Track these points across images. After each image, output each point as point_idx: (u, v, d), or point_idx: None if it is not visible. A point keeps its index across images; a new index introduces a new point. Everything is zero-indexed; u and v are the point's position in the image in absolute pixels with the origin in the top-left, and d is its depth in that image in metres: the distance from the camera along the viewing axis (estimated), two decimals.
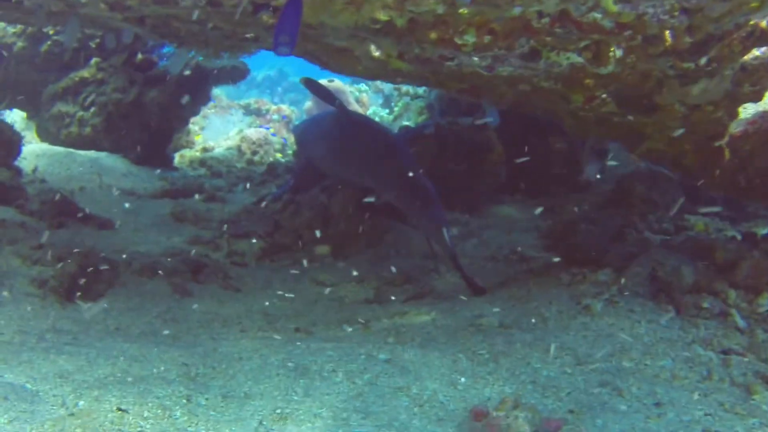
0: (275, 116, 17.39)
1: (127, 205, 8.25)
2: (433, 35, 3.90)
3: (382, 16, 3.72)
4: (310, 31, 4.12)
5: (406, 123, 12.35)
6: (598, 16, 3.60)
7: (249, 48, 5.55)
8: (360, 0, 3.62)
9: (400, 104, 13.03)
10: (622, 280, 5.16)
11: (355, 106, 15.78)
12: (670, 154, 5.40)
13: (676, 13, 3.68)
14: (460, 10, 3.55)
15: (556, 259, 6.57)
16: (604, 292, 5.15)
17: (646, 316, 4.80)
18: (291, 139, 15.17)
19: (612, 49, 4.00)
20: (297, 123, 11.49)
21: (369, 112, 16.29)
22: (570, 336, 4.49)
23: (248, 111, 17.40)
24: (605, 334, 4.54)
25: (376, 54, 4.56)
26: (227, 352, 4.22)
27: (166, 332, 4.80)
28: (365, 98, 17.62)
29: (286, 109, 17.70)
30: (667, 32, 3.91)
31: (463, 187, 8.86)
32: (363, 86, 17.92)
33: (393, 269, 6.38)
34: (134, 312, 5.19)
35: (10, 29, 10.53)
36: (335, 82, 15.39)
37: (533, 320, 4.76)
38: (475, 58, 4.23)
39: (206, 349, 4.26)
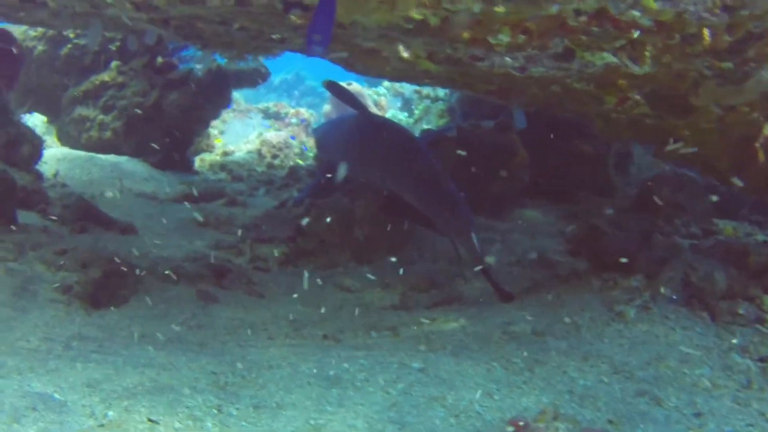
0: (294, 120, 17.34)
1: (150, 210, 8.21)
2: (465, 34, 3.81)
3: (416, 14, 3.63)
4: (339, 30, 4.03)
5: (426, 126, 12.27)
6: (636, 14, 3.50)
7: (274, 50, 5.47)
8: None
9: (420, 107, 12.95)
10: (661, 289, 5.04)
11: (373, 110, 15.69)
12: (703, 156, 5.29)
13: (717, 11, 3.57)
14: (496, 8, 3.46)
15: (583, 265, 6.51)
16: (637, 299, 5.05)
17: (680, 323, 4.70)
18: (310, 143, 15.14)
19: (648, 48, 3.90)
20: (316, 126, 11.40)
21: (387, 115, 16.22)
22: (605, 344, 4.39)
23: (267, 114, 17.36)
24: (640, 342, 4.44)
25: (405, 55, 4.48)
26: (256, 360, 4.14)
27: (192, 339, 4.73)
28: (384, 101, 17.56)
29: (304, 112, 17.64)
30: (706, 31, 3.80)
31: (486, 191, 8.76)
32: (381, 89, 17.87)
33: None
34: (159, 319, 5.12)
35: (31, 32, 10.52)
36: (353, 86, 15.33)
37: (566, 327, 4.66)
38: (508, 58, 4.14)
39: (234, 357, 4.18)
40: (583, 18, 3.57)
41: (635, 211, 8.35)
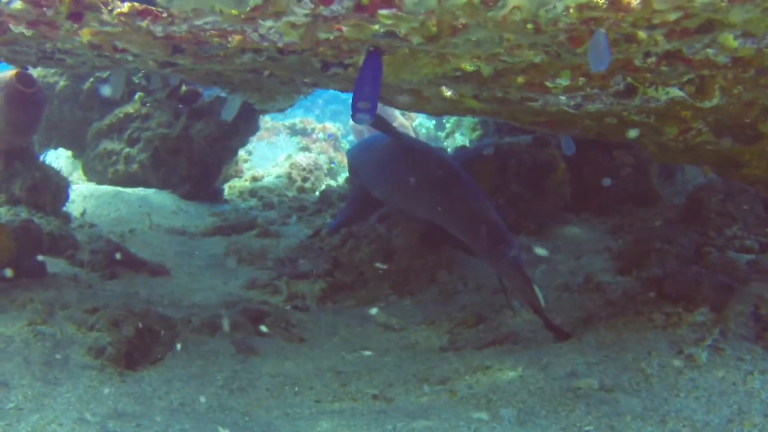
0: (321, 135, 17.11)
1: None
2: (520, 80, 3.50)
3: (469, 67, 3.33)
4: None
5: (459, 138, 11.98)
6: (711, 51, 3.17)
7: (306, 91, 5.19)
8: (447, 54, 3.23)
9: (452, 120, 12.63)
10: (731, 325, 4.69)
11: (400, 120, 15.41)
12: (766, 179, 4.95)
13: None
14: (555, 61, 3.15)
15: (634, 286, 6.19)
16: (706, 337, 4.70)
17: (758, 366, 4.35)
18: (339, 158, 14.88)
19: (718, 81, 3.56)
20: (349, 146, 11.14)
21: (415, 124, 15.95)
22: (681, 399, 4.04)
23: (294, 131, 17.14)
24: (718, 393, 4.10)
25: (448, 94, 4.17)
26: None
27: (235, 406, 4.44)
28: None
29: (331, 127, 17.40)
30: None
31: (526, 209, 8.45)
32: None
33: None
34: (197, 380, 4.83)
35: (52, 69, 10.32)
36: None
37: (635, 378, 4.32)
38: (563, 98, 3.82)
39: None
40: (651, 59, 3.25)
41: (683, 222, 8.00)
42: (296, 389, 4.78)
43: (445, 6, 2.68)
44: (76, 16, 3.19)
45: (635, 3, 2.63)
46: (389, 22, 2.82)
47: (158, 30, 3.06)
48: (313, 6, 2.80)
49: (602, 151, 9.15)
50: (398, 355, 5.53)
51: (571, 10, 2.66)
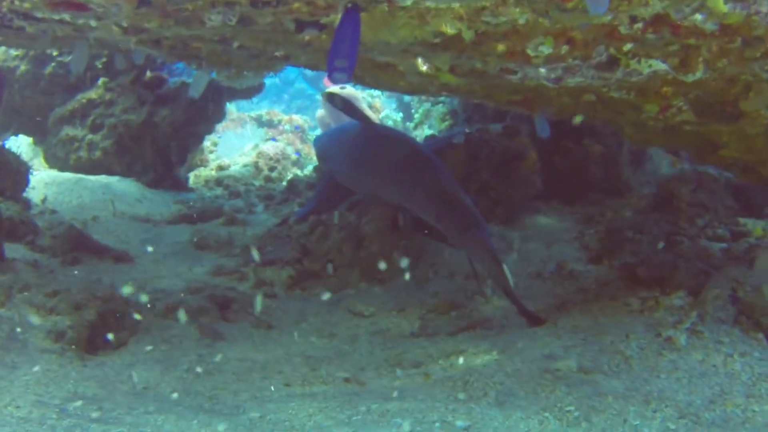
0: (287, 126, 16.93)
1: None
2: (500, 47, 3.38)
3: (450, 29, 3.20)
4: None
5: (428, 130, 11.85)
6: (699, 17, 3.06)
7: (276, 67, 5.02)
8: (427, 13, 3.10)
9: (420, 111, 12.49)
10: (709, 308, 4.62)
11: (368, 112, 15.28)
12: (746, 162, 4.88)
13: None
14: (541, 19, 3.02)
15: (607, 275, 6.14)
16: (684, 320, 4.63)
17: (737, 348, 4.29)
18: (306, 150, 14.72)
19: (702, 53, 3.46)
20: (317, 135, 10.97)
21: (382, 116, 15.85)
22: (662, 380, 3.95)
23: (260, 123, 16.95)
24: (698, 374, 4.02)
25: (424, 68, 4.04)
26: (277, 421, 3.68)
27: (201, 390, 4.28)
28: (378, 103, 17.17)
29: (298, 119, 17.23)
30: None
31: (497, 198, 8.37)
32: (375, 91, 17.45)
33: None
34: (162, 364, 4.66)
35: (13, 52, 10.03)
36: (347, 89, 14.90)
37: (614, 360, 4.22)
38: (543, 70, 3.70)
39: (252, 418, 3.72)
40: (638, 25, 3.14)
41: (654, 212, 7.97)
42: (265, 373, 4.63)
43: None
44: None
45: None
46: None
47: None
48: None
49: (573, 139, 9.10)
50: (369, 341, 5.40)
51: None
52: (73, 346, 4.70)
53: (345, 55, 2.99)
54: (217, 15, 3.21)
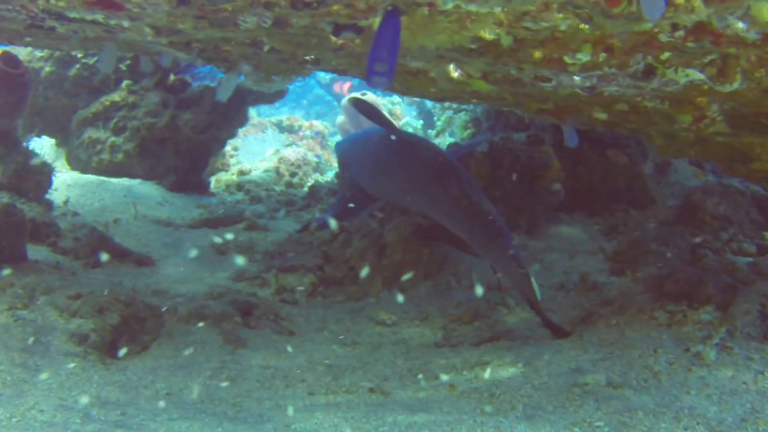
0: (308, 132, 16.92)
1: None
2: (537, 54, 3.32)
3: (488, 35, 3.15)
4: None
5: (450, 138, 11.81)
6: (741, 26, 3.00)
7: (305, 72, 4.98)
8: (467, 18, 3.05)
9: (443, 118, 12.44)
10: (738, 323, 4.55)
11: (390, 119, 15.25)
12: None
13: None
14: (582, 26, 2.97)
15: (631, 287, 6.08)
16: (713, 335, 4.56)
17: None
18: (326, 156, 14.69)
19: (741, 63, 3.40)
20: (338, 141, 10.93)
21: (402, 123, 15.82)
22: (692, 396, 3.88)
23: (281, 128, 16.94)
24: (729, 391, 3.94)
25: (455, 75, 3.99)
26: (303, 431, 3.64)
27: (224, 397, 4.24)
28: (398, 110, 17.15)
29: (318, 124, 17.21)
30: None
31: (520, 207, 8.31)
32: (396, 98, 17.42)
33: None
34: (185, 370, 4.63)
35: (38, 53, 10.06)
36: (368, 96, 14.88)
37: (643, 375, 4.15)
38: (577, 78, 3.65)
39: (277, 427, 3.68)
40: (679, 33, 3.08)
41: (678, 224, 7.89)
42: (288, 381, 4.59)
43: None
44: None
45: None
46: None
47: None
48: None
49: (596, 150, 9.04)
50: (391, 350, 5.35)
51: None
52: (96, 350, 4.68)
53: (385, 59, 2.94)
54: (253, 17, 3.17)
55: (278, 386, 4.50)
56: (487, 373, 4.50)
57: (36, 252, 6.36)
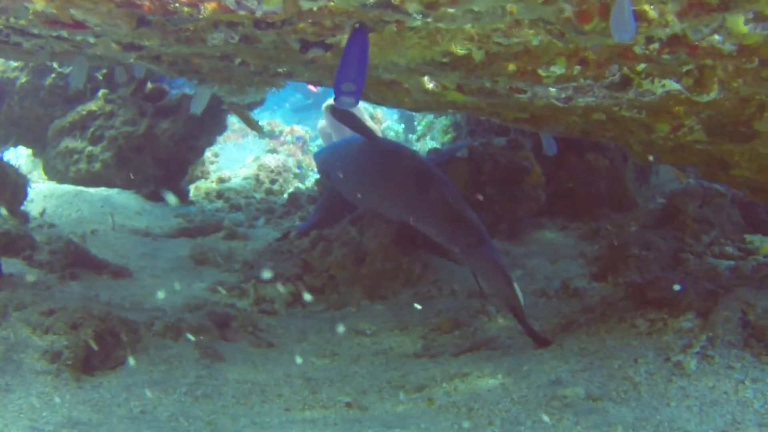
0: (288, 137, 16.84)
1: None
2: (511, 67, 3.28)
3: (459, 50, 3.10)
4: None
5: (431, 142, 11.78)
6: (717, 38, 2.96)
7: (279, 83, 4.92)
8: (437, 34, 3.00)
9: (423, 123, 12.43)
10: (719, 331, 4.51)
11: (370, 123, 15.21)
12: (758, 182, 4.78)
13: None
14: (555, 41, 2.92)
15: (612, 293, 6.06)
16: (694, 344, 4.51)
17: (749, 374, 4.16)
18: (307, 161, 14.63)
19: (717, 73, 3.36)
20: (318, 149, 10.88)
21: (383, 127, 15.78)
22: (672, 408, 3.83)
23: (261, 134, 16.87)
24: (709, 402, 3.89)
25: (430, 86, 3.94)
26: None
27: (199, 414, 4.17)
28: (379, 114, 17.10)
29: (299, 129, 17.14)
30: None
31: (500, 213, 8.28)
32: None
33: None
34: (160, 386, 4.55)
35: (12, 63, 9.96)
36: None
37: (623, 386, 4.11)
38: (553, 89, 3.61)
39: None
40: (654, 45, 3.04)
41: (660, 227, 7.87)
42: (263, 396, 4.52)
43: None
44: None
45: None
46: None
47: None
48: None
49: (576, 153, 9.02)
50: (370, 361, 5.30)
51: None
52: (69, 367, 4.60)
53: (352, 78, 2.88)
54: (219, 34, 3.11)
55: (254, 402, 4.43)
56: (465, 386, 4.45)
57: (10, 265, 6.27)
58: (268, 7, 2.70)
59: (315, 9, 2.76)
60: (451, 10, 2.65)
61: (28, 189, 7.61)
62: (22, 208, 7.55)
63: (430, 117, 12.23)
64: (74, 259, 6.73)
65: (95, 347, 4.76)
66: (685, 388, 4.04)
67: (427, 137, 12.16)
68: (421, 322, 6.01)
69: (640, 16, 2.72)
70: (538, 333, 5.23)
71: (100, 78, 10.04)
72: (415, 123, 13.61)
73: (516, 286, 5.11)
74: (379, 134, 14.96)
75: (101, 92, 10.02)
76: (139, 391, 4.46)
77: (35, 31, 3.56)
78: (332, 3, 2.67)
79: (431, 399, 4.31)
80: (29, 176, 8.03)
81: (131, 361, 4.88)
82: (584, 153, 9.06)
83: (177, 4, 2.74)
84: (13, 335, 4.76)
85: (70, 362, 4.62)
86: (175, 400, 4.36)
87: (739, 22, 2.82)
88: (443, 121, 11.56)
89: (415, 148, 12.81)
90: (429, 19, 2.76)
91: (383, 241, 6.93)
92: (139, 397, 4.36)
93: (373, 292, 6.81)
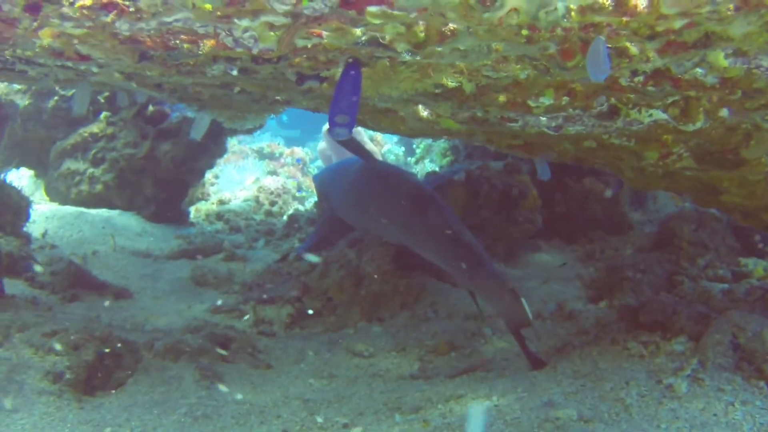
0: (289, 159, 16.96)
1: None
2: (501, 98, 3.38)
3: (451, 83, 3.21)
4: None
5: (429, 165, 11.89)
6: (699, 71, 3.07)
7: (278, 110, 5.03)
8: (428, 67, 3.10)
9: (422, 146, 12.56)
10: (710, 354, 4.59)
11: (370, 145, 15.33)
12: (747, 207, 4.88)
13: None
14: (544, 77, 3.03)
15: (607, 315, 6.12)
16: (685, 367, 4.59)
17: (738, 396, 4.24)
18: (307, 183, 14.73)
19: (703, 104, 3.47)
20: (316, 172, 10.98)
21: (384, 150, 15.88)
22: (663, 430, 3.90)
23: (261, 155, 17.00)
24: (699, 424, 3.97)
25: (425, 114, 4.05)
26: None
27: None
28: (379, 137, 17.22)
29: (299, 151, 17.27)
30: None
31: (497, 236, 8.38)
32: None
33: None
34: (160, 407, 4.63)
35: (16, 86, 10.08)
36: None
37: (614, 408, 4.19)
38: (543, 119, 3.71)
39: None
40: (639, 78, 3.14)
41: (655, 251, 7.96)
42: (262, 417, 4.59)
43: (439, 3, 2.53)
44: (33, 8, 2.98)
45: (642, 6, 2.51)
46: (377, 21, 2.66)
47: (124, 28, 2.87)
48: (294, 1, 2.62)
49: (573, 178, 9.13)
50: (367, 383, 5.37)
51: (573, 13, 2.53)
52: (71, 388, 4.68)
53: (346, 111, 2.98)
54: (219, 66, 3.22)
55: (253, 423, 4.50)
56: (460, 407, 4.52)
57: (12, 286, 6.36)
58: (264, 45, 2.81)
59: (309, 46, 2.86)
60: (439, 49, 2.76)
61: (30, 210, 7.69)
62: (24, 229, 7.63)
63: (428, 140, 12.36)
64: (75, 280, 6.82)
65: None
66: (676, 410, 4.12)
67: (426, 160, 12.29)
68: (417, 344, 6.07)
69: (621, 53, 2.83)
70: (534, 355, 5.30)
71: (102, 100, 10.15)
72: (414, 146, 13.74)
73: (524, 300, 5.17)
74: (379, 156, 15.10)
75: (103, 115, 10.14)
76: (139, 411, 4.53)
77: (41, 61, 3.67)
78: (326, 41, 2.78)
79: (426, 420, 4.38)
80: (31, 198, 8.11)
81: (131, 382, 4.95)
82: (583, 177, 9.17)
83: (177, 41, 2.84)
84: (15, 356, 4.83)
85: (71, 383, 4.71)
86: (174, 421, 4.43)
87: (720, 57, 2.92)
88: (441, 144, 11.69)
89: (413, 170, 12.95)
90: (418, 57, 2.86)
91: (381, 264, 7.01)
92: (139, 418, 4.43)
93: (371, 313, 6.88)
